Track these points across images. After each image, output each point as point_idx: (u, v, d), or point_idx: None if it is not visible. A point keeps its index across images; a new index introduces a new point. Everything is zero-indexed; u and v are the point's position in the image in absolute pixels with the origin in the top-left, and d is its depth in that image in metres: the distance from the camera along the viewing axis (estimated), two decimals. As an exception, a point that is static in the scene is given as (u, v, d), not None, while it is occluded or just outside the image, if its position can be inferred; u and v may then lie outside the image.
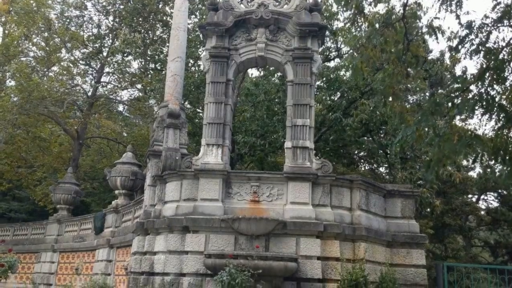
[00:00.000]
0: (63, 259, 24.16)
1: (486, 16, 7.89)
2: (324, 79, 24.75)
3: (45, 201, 33.62)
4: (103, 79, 35.42)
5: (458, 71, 22.67)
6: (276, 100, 24.29)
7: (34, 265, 25.46)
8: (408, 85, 20.94)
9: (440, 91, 21.37)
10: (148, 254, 13.79)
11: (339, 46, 25.56)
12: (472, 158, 7.13)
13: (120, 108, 39.97)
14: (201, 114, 26.70)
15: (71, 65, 32.94)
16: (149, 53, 30.03)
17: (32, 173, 35.59)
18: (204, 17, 24.28)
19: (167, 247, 13.13)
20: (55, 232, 25.55)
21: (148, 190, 15.13)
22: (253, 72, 28.36)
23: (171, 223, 13.15)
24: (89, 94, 33.96)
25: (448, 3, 8.11)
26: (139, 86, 33.72)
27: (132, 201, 20.08)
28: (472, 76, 7.29)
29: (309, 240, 12.59)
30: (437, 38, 10.67)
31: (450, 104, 6.88)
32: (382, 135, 25.44)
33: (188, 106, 27.43)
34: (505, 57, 7.14)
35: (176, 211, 13.31)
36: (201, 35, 19.51)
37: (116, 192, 22.08)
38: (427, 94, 23.98)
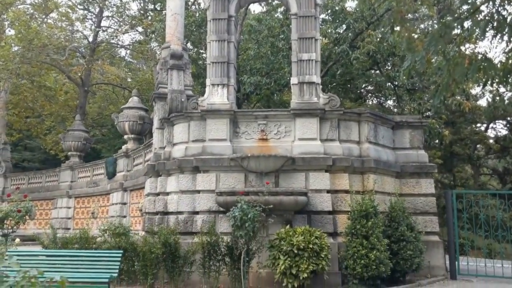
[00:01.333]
0: (78, 204, 24.80)
1: None
2: (329, 11, 24.02)
3: (56, 149, 34.09)
4: (103, 23, 34.76)
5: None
6: (281, 36, 23.73)
7: (51, 211, 26.21)
8: (416, 14, 20.28)
9: (449, 18, 20.68)
10: (161, 194, 14.05)
11: (343, -25, 24.56)
12: (483, 82, 6.95)
13: (123, 53, 39.48)
14: (204, 55, 26.27)
15: (69, 10, 32.22)
16: (147, -7, 29.17)
17: (41, 123, 35.85)
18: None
19: (179, 187, 13.34)
20: (68, 178, 26.07)
21: (157, 133, 15.17)
22: (255, 9, 27.58)
23: (181, 164, 13.28)
24: (90, 39, 33.42)
25: None
26: (139, 28, 33.08)
27: (142, 145, 20.26)
28: (482, -4, 6.98)
29: (318, 174, 12.70)
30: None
31: (459, 27, 6.63)
32: (389, 67, 24.99)
33: (191, 47, 26.95)
34: (518, -26, 6.80)
35: (186, 153, 13.40)
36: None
37: (125, 137, 22.25)
38: (435, 22, 23.27)
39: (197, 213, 12.91)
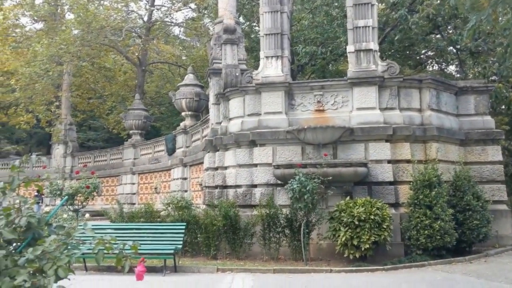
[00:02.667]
0: (142, 180, 25.76)
1: None
2: (384, -26, 22.97)
3: (118, 128, 35.38)
4: (156, 1, 35.23)
5: None
6: (335, 4, 23.01)
7: (117, 187, 27.40)
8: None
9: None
10: (220, 169, 14.27)
11: None
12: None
13: (176, 31, 39.97)
14: (257, 28, 26.06)
15: (124, -9, 32.80)
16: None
17: (102, 103, 37.25)
18: None
19: (236, 162, 13.49)
20: (131, 156, 27.08)
21: (213, 109, 15.34)
22: (308, -23, 26.83)
23: (238, 138, 13.38)
24: (145, 19, 34.03)
25: None
26: (192, 5, 33.24)
27: (199, 121, 20.59)
28: None
29: (378, 144, 12.40)
30: None
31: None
32: (451, 31, 23.70)
33: (243, 21, 26.80)
34: None
35: (242, 127, 13.48)
36: None
37: (183, 114, 22.69)
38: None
39: (255, 186, 13.03)
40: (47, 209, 15.48)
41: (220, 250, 12.15)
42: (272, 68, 13.49)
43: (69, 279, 2.46)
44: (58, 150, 31.55)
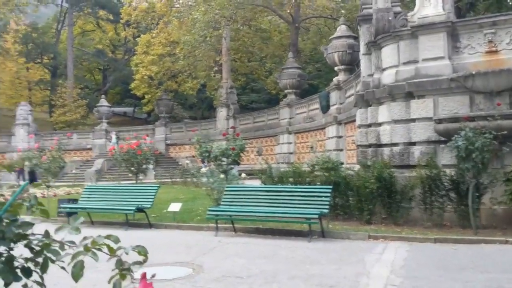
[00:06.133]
0: (298, 139, 25.64)
1: None
2: None
3: (277, 89, 35.75)
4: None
5: None
6: None
7: (275, 147, 27.80)
8: None
9: None
10: (373, 126, 13.07)
11: None
12: None
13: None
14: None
15: None
16: None
17: (261, 65, 37.93)
18: None
19: (391, 117, 12.14)
20: (287, 115, 27.07)
21: (363, 60, 14.02)
22: None
23: (392, 90, 11.98)
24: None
25: None
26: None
27: (352, 75, 19.34)
28: None
29: None
30: None
31: None
32: None
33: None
34: None
35: (396, 77, 12.00)
36: None
37: (336, 68, 21.62)
38: None
39: (413, 144, 11.60)
40: (204, 170, 16.16)
41: (374, 214, 11.17)
42: (431, 7, 11.60)
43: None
44: (221, 112, 33.21)
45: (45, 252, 1.44)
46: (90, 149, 37.17)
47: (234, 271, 6.84)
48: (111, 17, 49.52)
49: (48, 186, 14.69)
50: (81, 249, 1.41)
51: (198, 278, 6.45)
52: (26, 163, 14.24)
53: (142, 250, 1.50)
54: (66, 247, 1.45)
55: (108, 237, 1.46)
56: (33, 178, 24.55)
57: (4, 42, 43.59)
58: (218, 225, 10.52)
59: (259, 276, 6.53)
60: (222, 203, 10.91)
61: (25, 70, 46.19)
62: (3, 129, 42.68)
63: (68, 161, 33.41)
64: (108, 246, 1.48)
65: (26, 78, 45.89)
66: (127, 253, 1.49)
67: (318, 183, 11.50)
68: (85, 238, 1.44)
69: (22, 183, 15.81)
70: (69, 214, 12.62)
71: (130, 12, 40.62)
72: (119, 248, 1.47)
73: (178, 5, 34.19)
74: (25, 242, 1.47)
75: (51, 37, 54.55)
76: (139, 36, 41.30)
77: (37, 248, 1.46)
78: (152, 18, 39.40)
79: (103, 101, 39.41)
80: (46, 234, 1.50)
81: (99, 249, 1.44)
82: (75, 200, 13.35)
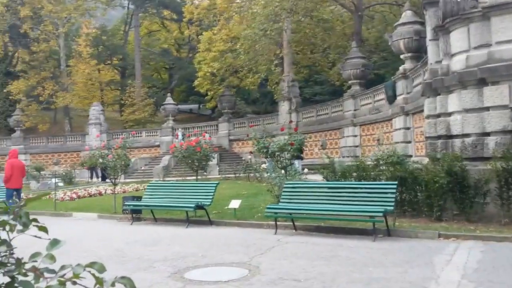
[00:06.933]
0: (363, 132, 24.80)
1: None
2: None
3: (341, 80, 34.85)
4: None
5: None
6: None
7: (340, 140, 27.07)
8: None
9: None
10: (442, 116, 12.23)
11: None
12: None
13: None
14: None
15: None
16: None
17: (324, 57, 37.10)
18: None
19: (462, 106, 11.28)
20: (351, 107, 26.25)
21: (431, 46, 13.15)
22: None
23: (462, 77, 11.11)
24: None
25: None
26: None
27: (419, 62, 18.32)
28: None
29: None
30: None
31: None
32: None
33: None
34: None
35: (467, 63, 11.11)
36: None
37: (402, 56, 20.61)
38: None
39: (487, 134, 10.70)
40: (264, 166, 15.93)
41: (445, 210, 10.42)
42: (505, -15, 10.62)
43: None
44: (283, 106, 32.88)
45: (15, 285, 1.24)
46: (158, 146, 38.32)
47: (292, 273, 6.55)
48: (174, 16, 50.69)
49: (115, 184, 15.11)
50: (55, 282, 1.19)
51: (254, 280, 6.23)
52: (100, 160, 14.76)
53: (128, 283, 1.26)
54: (41, 278, 1.24)
55: (90, 265, 1.24)
56: (104, 176, 25.58)
57: (77, 46, 45.88)
58: (278, 222, 10.27)
59: (317, 279, 6.20)
60: (281, 200, 10.64)
61: (97, 72, 48.34)
62: (78, 129, 45.07)
63: (138, 158, 34.68)
64: (94, 275, 1.26)
65: (97, 79, 48.04)
66: (113, 286, 1.25)
67: (383, 179, 10.92)
68: (62, 268, 1.22)
69: (95, 180, 16.57)
70: (134, 212, 12.92)
71: (192, 10, 41.28)
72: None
73: (238, 0, 34.19)
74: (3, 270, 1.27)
75: (120, 38, 56.81)
76: (202, 34, 41.90)
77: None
78: (214, 15, 39.80)
79: (169, 99, 40.40)
80: (18, 262, 1.29)
81: (74, 283, 1.21)
82: (139, 198, 13.62)
